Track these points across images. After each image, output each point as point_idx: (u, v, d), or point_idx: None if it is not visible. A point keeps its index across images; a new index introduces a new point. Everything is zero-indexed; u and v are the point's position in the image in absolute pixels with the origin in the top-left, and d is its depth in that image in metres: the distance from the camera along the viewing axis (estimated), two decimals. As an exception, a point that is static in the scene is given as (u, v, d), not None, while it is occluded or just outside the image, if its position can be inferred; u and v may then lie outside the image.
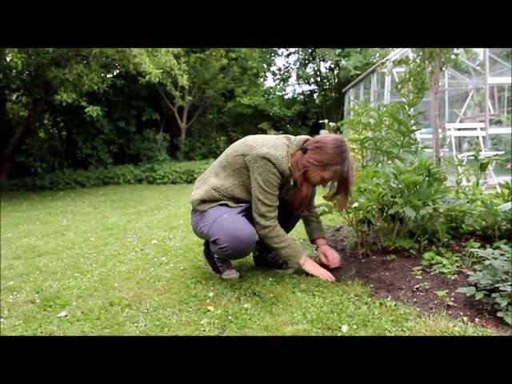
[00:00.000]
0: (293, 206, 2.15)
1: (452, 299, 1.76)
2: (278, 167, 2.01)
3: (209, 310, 1.83)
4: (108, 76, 10.16)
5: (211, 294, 2.02)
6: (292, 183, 2.12)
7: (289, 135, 2.18)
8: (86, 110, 7.74)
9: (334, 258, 2.28)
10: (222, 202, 2.13)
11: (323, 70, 17.12)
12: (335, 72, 16.62)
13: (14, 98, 11.02)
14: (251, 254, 2.45)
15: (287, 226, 2.30)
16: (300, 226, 3.42)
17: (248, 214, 2.14)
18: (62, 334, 1.68)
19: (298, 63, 17.21)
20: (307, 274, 2.17)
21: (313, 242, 2.44)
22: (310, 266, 2.17)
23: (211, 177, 2.20)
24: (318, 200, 2.35)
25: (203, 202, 2.16)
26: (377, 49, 14.00)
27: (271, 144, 2.06)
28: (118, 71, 11.05)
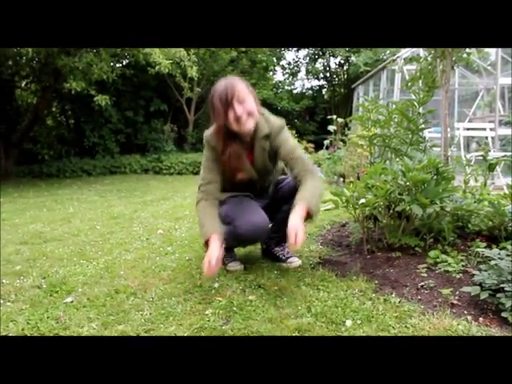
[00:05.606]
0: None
1: (456, 298, 1.77)
2: (207, 142, 2.17)
3: (213, 301, 1.84)
4: (117, 65, 10.17)
5: (216, 285, 2.03)
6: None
7: None
8: (95, 98, 7.76)
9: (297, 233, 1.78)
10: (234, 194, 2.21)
11: (333, 66, 17.07)
12: (345, 68, 16.56)
13: (23, 85, 11.02)
14: (259, 246, 2.47)
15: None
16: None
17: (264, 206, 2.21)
18: (68, 320, 1.70)
19: (308, 58, 17.15)
20: (313, 268, 2.19)
21: None
22: (207, 249, 1.92)
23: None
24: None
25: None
26: (387, 46, 13.92)
27: None
28: (127, 61, 11.03)
